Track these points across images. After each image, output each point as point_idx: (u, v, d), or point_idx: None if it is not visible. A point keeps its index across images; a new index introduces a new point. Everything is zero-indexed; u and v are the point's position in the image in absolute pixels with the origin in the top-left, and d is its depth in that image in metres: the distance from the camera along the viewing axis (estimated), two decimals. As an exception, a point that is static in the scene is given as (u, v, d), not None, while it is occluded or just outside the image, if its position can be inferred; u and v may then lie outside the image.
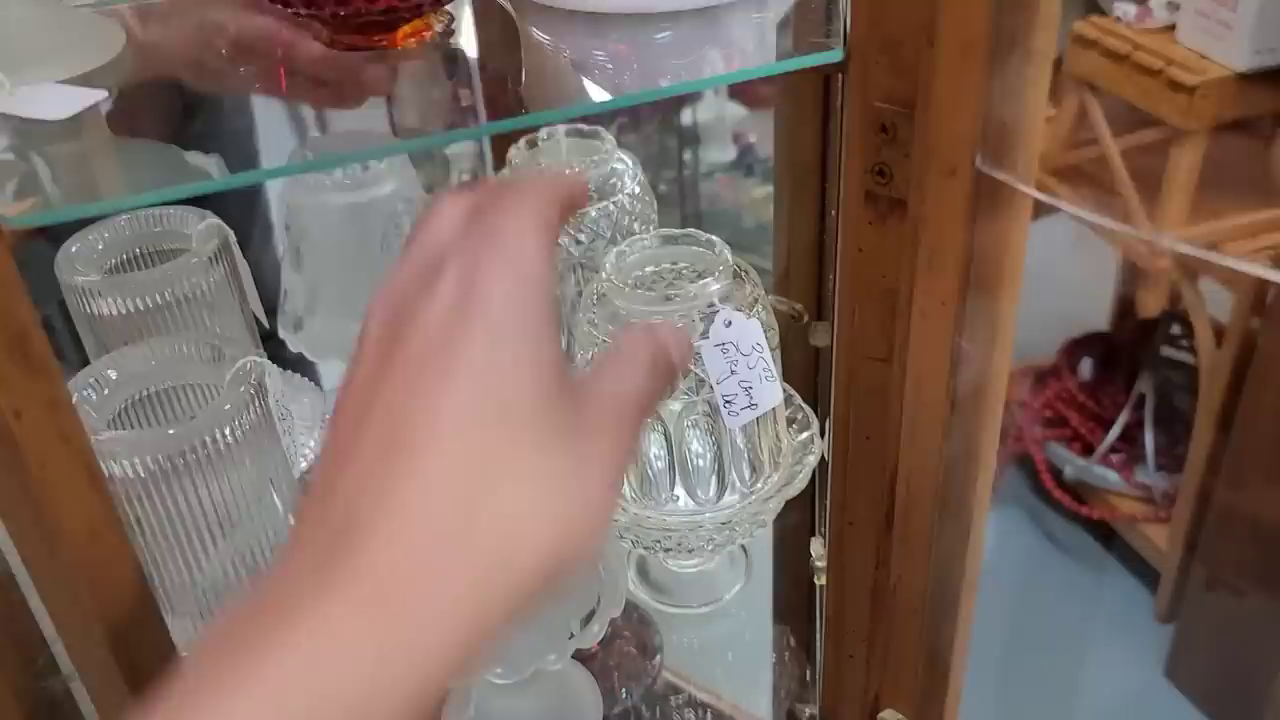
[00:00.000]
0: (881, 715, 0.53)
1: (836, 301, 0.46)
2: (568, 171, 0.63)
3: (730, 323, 0.49)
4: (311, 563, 0.28)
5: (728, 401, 0.49)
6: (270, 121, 0.66)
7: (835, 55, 0.42)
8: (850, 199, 0.42)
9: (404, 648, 0.26)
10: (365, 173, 0.73)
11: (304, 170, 0.63)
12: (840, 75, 0.43)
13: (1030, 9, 0.39)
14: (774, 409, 0.61)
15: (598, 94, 0.44)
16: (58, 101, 0.41)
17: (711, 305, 0.52)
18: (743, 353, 0.49)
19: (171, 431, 0.47)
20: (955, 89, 0.36)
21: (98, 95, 0.42)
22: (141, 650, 0.41)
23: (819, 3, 0.47)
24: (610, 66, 0.49)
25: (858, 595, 0.51)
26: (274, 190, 0.77)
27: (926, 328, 0.41)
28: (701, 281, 0.54)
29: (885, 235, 0.42)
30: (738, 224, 1.88)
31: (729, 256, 0.58)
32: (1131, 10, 1.37)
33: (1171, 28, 1.34)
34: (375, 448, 0.29)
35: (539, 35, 0.50)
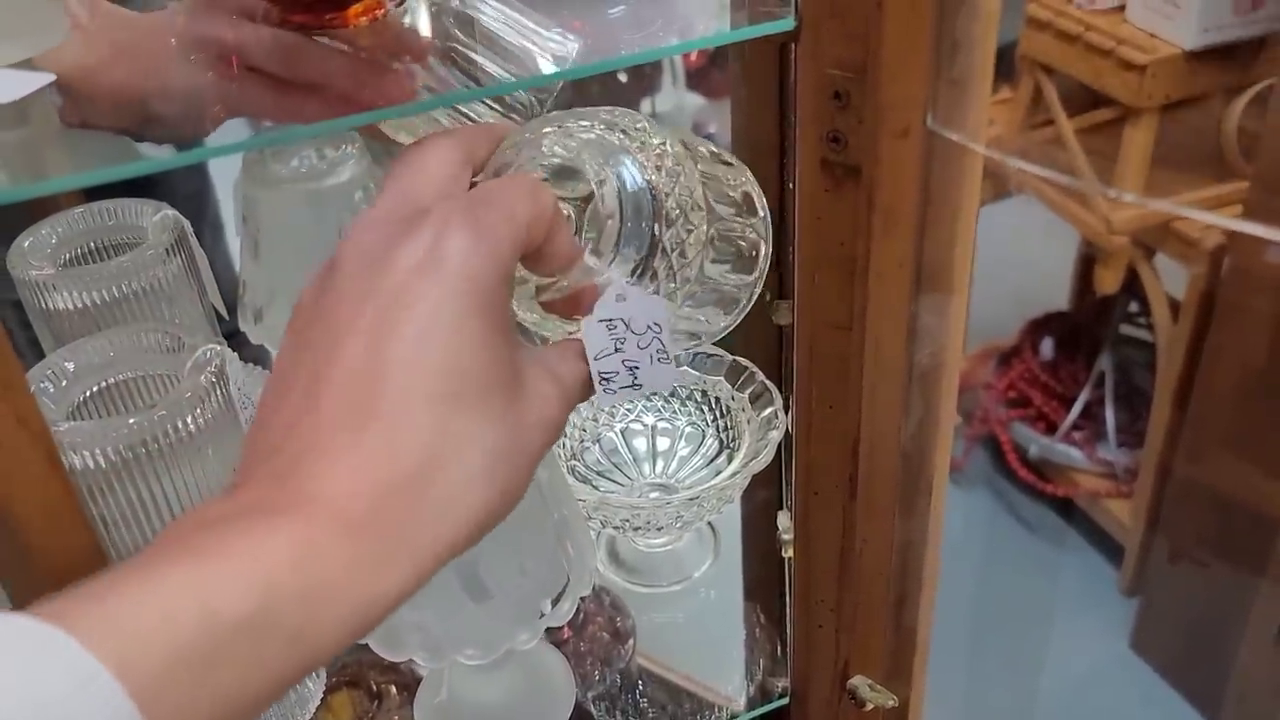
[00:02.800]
0: (851, 682, 0.53)
1: (796, 270, 0.46)
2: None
3: (624, 297, 0.45)
4: (267, 486, 0.30)
5: (605, 378, 0.45)
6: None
7: (788, 24, 0.42)
8: (806, 168, 0.43)
9: (346, 569, 0.29)
10: (322, 162, 0.73)
11: (257, 145, 0.62)
12: (794, 45, 0.43)
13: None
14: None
15: (550, 67, 0.44)
16: (3, 85, 0.41)
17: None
18: (634, 331, 0.43)
19: (132, 421, 0.46)
20: (903, 49, 0.36)
21: (45, 79, 0.42)
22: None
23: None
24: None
25: (825, 564, 0.51)
26: (225, 184, 0.76)
27: (883, 290, 0.41)
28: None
29: (841, 202, 0.42)
30: (700, 214, 1.88)
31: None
32: (1082, -9, 1.39)
33: (1121, 8, 1.36)
34: (340, 405, 0.31)
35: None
